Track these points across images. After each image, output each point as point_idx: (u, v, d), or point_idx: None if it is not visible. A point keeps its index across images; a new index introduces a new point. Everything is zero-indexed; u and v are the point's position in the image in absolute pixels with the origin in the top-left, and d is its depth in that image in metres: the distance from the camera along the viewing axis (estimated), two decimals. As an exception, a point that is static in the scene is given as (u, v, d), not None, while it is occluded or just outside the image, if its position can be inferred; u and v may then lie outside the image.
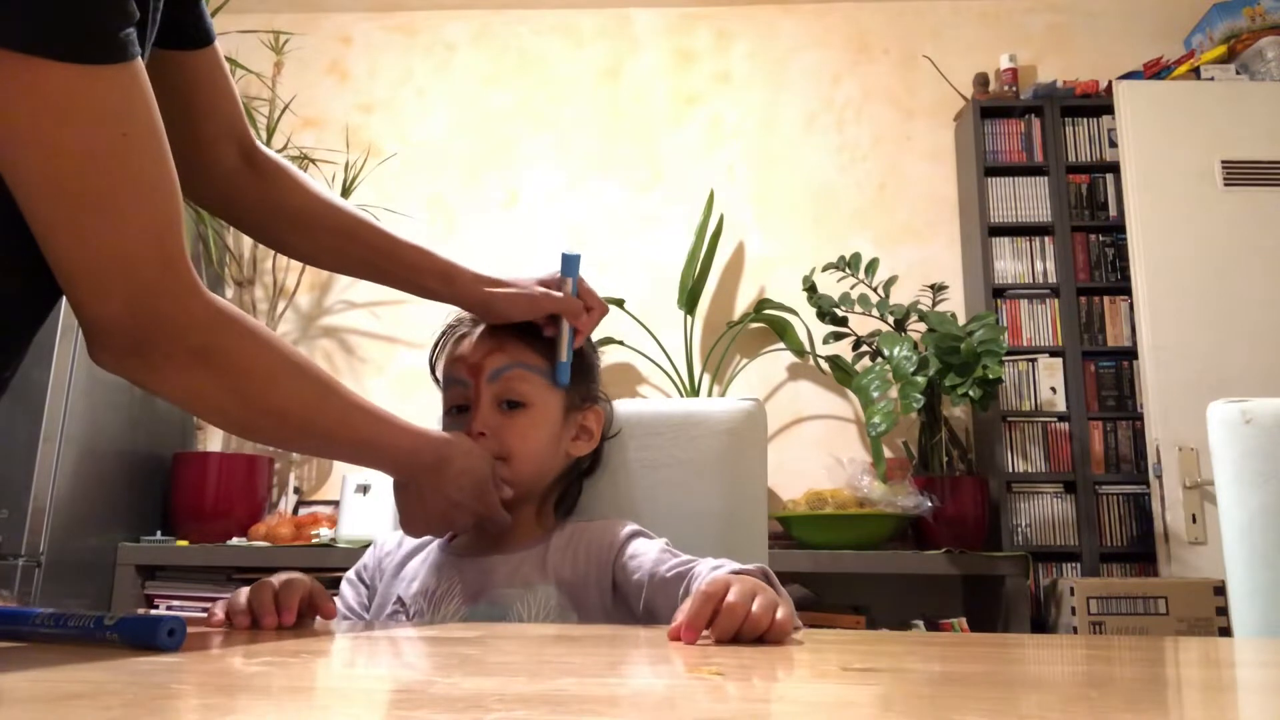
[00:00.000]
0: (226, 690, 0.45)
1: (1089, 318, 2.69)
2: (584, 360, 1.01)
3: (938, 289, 2.64)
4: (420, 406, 1.07)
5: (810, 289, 2.63)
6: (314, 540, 2.40)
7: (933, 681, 0.51)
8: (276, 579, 0.79)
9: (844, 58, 3.08)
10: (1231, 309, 2.49)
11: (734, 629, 0.63)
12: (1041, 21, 3.06)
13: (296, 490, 2.81)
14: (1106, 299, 2.70)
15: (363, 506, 2.39)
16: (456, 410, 0.98)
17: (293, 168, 0.94)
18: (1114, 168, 2.70)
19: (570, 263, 0.97)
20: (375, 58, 3.17)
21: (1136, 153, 2.61)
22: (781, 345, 2.80)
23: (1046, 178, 2.78)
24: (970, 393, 2.24)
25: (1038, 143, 2.80)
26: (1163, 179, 2.59)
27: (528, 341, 0.97)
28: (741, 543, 1.06)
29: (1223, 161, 2.59)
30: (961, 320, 2.59)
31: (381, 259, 0.95)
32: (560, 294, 0.96)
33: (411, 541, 1.02)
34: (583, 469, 1.06)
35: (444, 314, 1.03)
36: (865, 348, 2.61)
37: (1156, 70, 2.80)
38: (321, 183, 0.97)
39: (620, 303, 2.70)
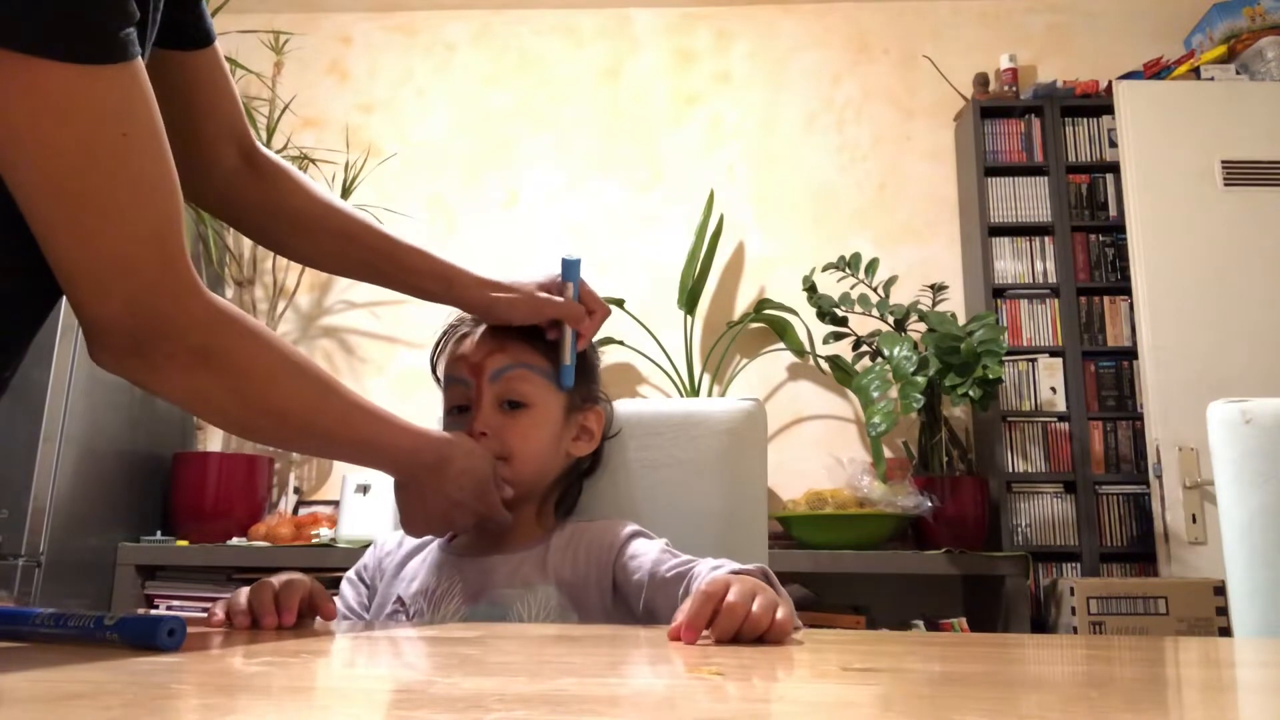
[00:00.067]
0: (226, 690, 0.45)
1: (1089, 318, 2.69)
2: (585, 361, 1.01)
3: (938, 289, 2.64)
4: (420, 406, 1.07)
5: (810, 289, 2.63)
6: (314, 540, 2.40)
7: (933, 681, 0.51)
8: (277, 579, 0.79)
9: (844, 58, 3.08)
10: (1231, 309, 2.49)
11: (734, 629, 0.63)
12: (1041, 21, 3.06)
13: (296, 490, 2.81)
14: (1106, 299, 2.70)
15: (363, 506, 2.39)
16: (457, 410, 0.98)
17: (293, 169, 0.93)
18: (1114, 168, 2.70)
19: (570, 267, 0.97)
20: (375, 58, 3.17)
21: (1136, 153, 2.61)
22: (781, 345, 2.80)
23: (1046, 178, 2.78)
24: (970, 393, 2.24)
25: (1038, 143, 2.80)
26: (1163, 179, 2.59)
27: (529, 341, 0.97)
28: (741, 543, 1.06)
29: (1223, 161, 2.59)
30: (961, 320, 2.59)
31: (382, 262, 0.95)
32: (561, 299, 0.96)
33: (412, 541, 1.02)
34: (583, 469, 1.06)
35: (445, 314, 1.03)
36: (865, 348, 2.61)
37: (1156, 70, 2.80)
38: (322, 184, 0.97)
39: (620, 303, 2.70)
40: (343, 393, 0.81)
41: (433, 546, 1.01)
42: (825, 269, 2.65)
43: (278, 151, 2.85)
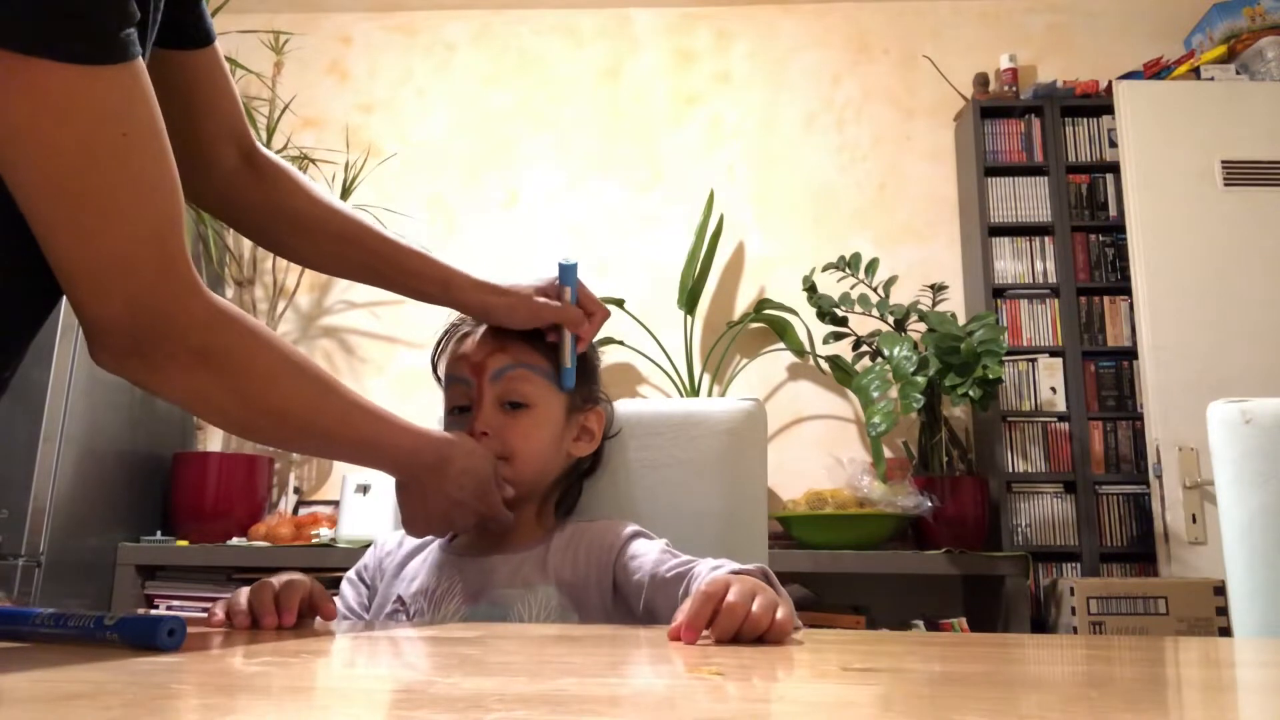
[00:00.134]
0: (226, 690, 0.45)
1: (1089, 318, 2.69)
2: (585, 361, 1.02)
3: (938, 289, 2.64)
4: (420, 406, 1.07)
5: (810, 289, 2.63)
6: (314, 540, 2.40)
7: (933, 681, 0.51)
8: (277, 579, 0.79)
9: (844, 58, 3.08)
10: (1231, 309, 2.49)
11: (734, 629, 0.63)
12: (1041, 21, 3.06)
13: (296, 490, 2.81)
14: (1106, 299, 2.70)
15: (363, 506, 2.39)
16: (458, 410, 0.98)
17: (293, 170, 0.93)
18: (1114, 168, 2.70)
19: (567, 272, 0.97)
20: (375, 58, 3.17)
21: (1136, 153, 2.61)
22: (781, 345, 2.80)
23: (1046, 178, 2.78)
24: (970, 393, 2.24)
25: (1038, 143, 2.80)
26: (1163, 179, 2.59)
27: (530, 341, 0.97)
28: (741, 543, 1.06)
29: (1223, 161, 2.59)
30: (961, 320, 2.59)
31: (380, 264, 0.95)
32: (559, 303, 0.96)
33: (412, 541, 1.02)
34: (583, 469, 1.06)
35: (445, 314, 1.03)
36: (865, 348, 2.61)
37: (1156, 70, 2.80)
38: (322, 186, 0.97)
39: (620, 303, 2.70)
40: (343, 392, 0.81)
41: (433, 546, 1.01)
42: (825, 269, 2.65)
43: (278, 152, 2.85)
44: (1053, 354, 2.68)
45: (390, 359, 2.93)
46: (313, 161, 2.82)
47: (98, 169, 0.60)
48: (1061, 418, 2.63)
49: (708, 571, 0.81)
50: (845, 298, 2.60)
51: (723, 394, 2.78)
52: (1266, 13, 2.74)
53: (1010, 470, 2.60)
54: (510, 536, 0.97)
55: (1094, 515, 2.55)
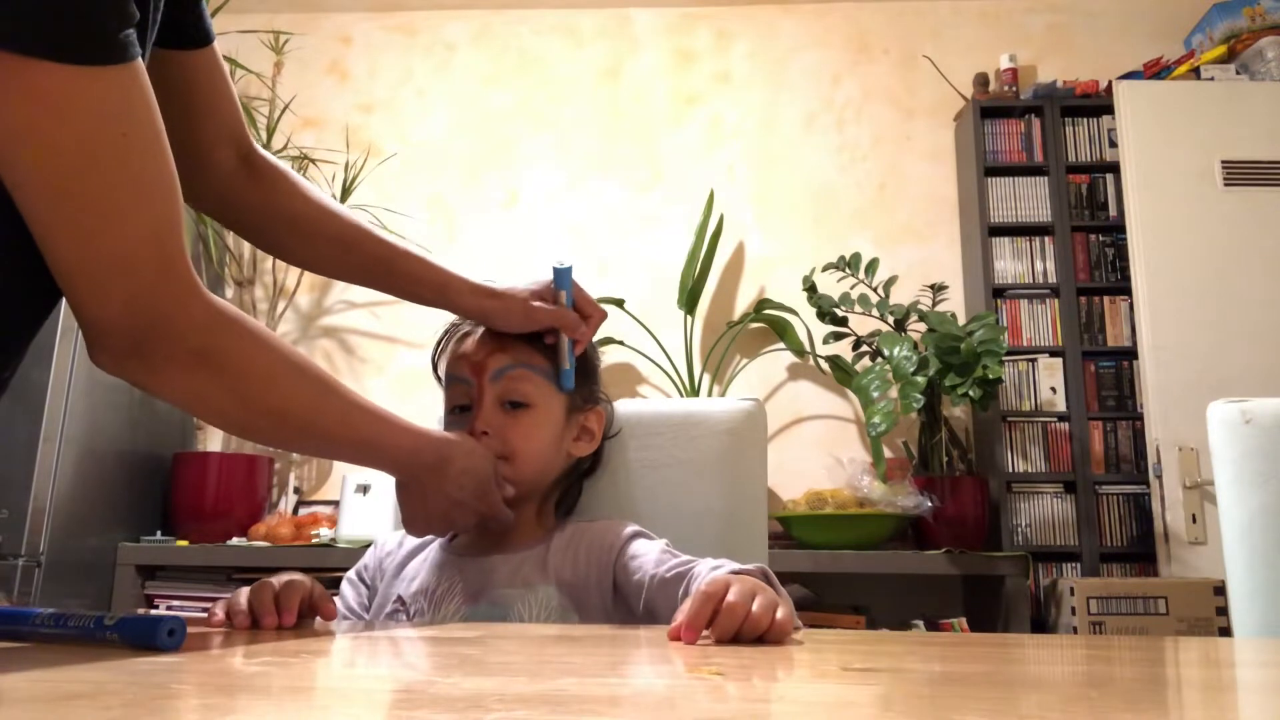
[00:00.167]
0: (226, 690, 0.45)
1: (1089, 318, 2.69)
2: (586, 361, 1.02)
3: (938, 289, 2.64)
4: (420, 406, 1.07)
5: (810, 289, 2.63)
6: (314, 540, 2.40)
7: (933, 681, 0.51)
8: (277, 579, 0.79)
9: (844, 58, 3.08)
10: (1231, 309, 2.49)
11: (734, 629, 0.63)
12: (1041, 21, 3.06)
13: (296, 490, 2.81)
14: (1106, 299, 2.70)
15: (363, 506, 2.39)
16: (459, 409, 0.98)
17: (292, 172, 0.93)
18: (1114, 168, 2.70)
19: (562, 275, 0.97)
20: (375, 58, 3.17)
21: (1136, 153, 2.61)
22: (781, 345, 2.80)
23: (1046, 178, 2.78)
24: (970, 393, 2.24)
25: (1038, 143, 2.80)
26: (1163, 179, 2.59)
27: (531, 341, 0.97)
28: (741, 543, 1.06)
29: (1223, 161, 2.59)
30: (961, 320, 2.59)
31: (378, 268, 0.95)
32: (555, 307, 0.96)
33: (412, 541, 1.02)
34: (583, 469, 1.06)
35: (444, 314, 1.03)
36: (865, 348, 2.61)
37: (1156, 70, 2.80)
38: (321, 188, 0.97)
39: (620, 303, 2.70)
40: (343, 393, 0.81)
41: (433, 546, 1.01)
42: (825, 269, 2.65)
43: (277, 152, 2.85)
44: (1053, 354, 2.68)
45: (390, 359, 2.93)
46: (313, 161, 2.82)
47: (97, 169, 0.60)
48: (1061, 418, 2.63)
49: (708, 571, 0.81)
50: (845, 298, 2.60)
51: (723, 394, 2.78)
52: (1266, 13, 2.74)
53: (1010, 470, 2.60)
54: (510, 536, 0.97)
55: (1094, 515, 2.55)
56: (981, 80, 2.88)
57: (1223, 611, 2.12)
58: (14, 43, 0.55)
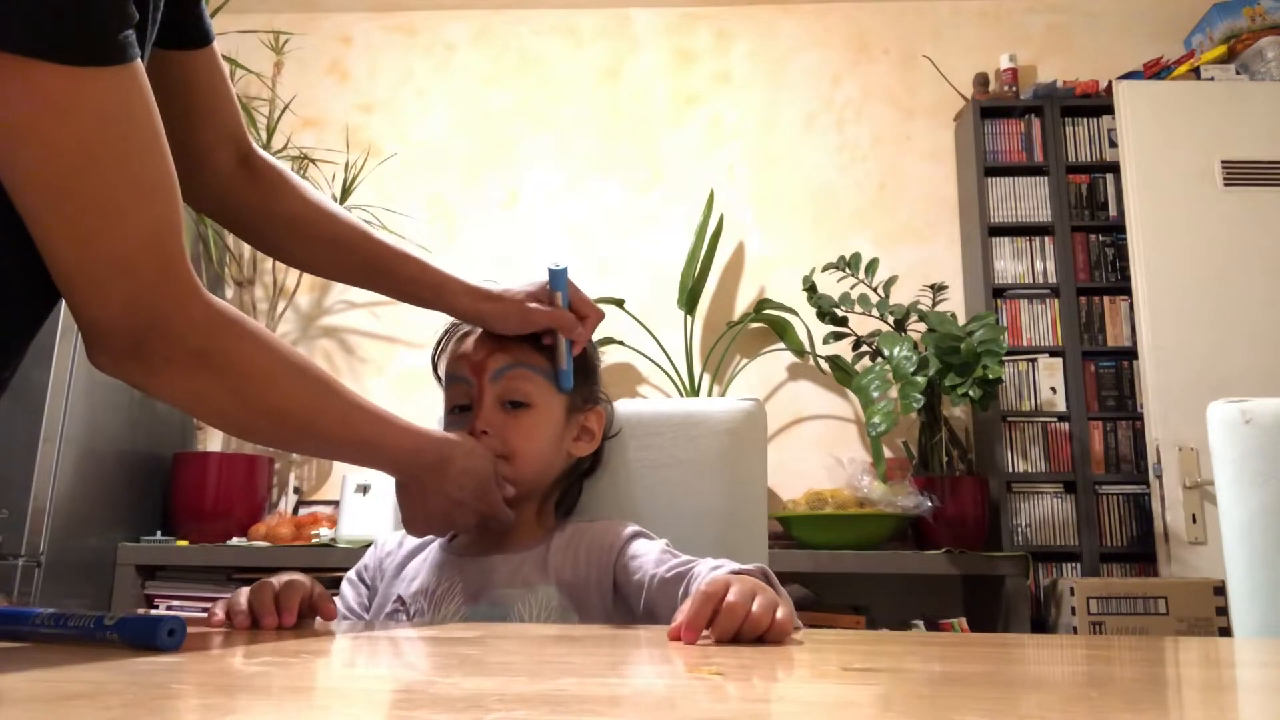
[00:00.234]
0: (226, 690, 0.45)
1: (1089, 318, 2.69)
2: (586, 361, 1.02)
3: (938, 289, 2.64)
4: (420, 406, 1.07)
5: (810, 289, 2.63)
6: (314, 540, 2.40)
7: (933, 681, 0.51)
8: (277, 579, 0.79)
9: (844, 58, 3.08)
10: (1231, 309, 2.49)
11: (734, 629, 0.63)
12: (1041, 21, 3.06)
13: (296, 490, 2.81)
14: (1106, 299, 2.70)
15: (363, 506, 2.39)
16: (459, 409, 0.98)
17: (291, 174, 0.93)
18: (1114, 168, 2.70)
19: (557, 277, 0.97)
20: (375, 58, 3.17)
21: (1136, 153, 2.61)
22: (781, 345, 2.80)
23: (1046, 178, 2.78)
24: (970, 393, 2.24)
25: (1038, 143, 2.80)
26: (1163, 179, 2.59)
27: (531, 341, 0.97)
28: (741, 543, 1.06)
29: (1223, 161, 2.59)
30: (961, 320, 2.59)
31: (375, 270, 0.95)
32: (550, 308, 0.96)
33: (412, 541, 1.02)
34: (583, 469, 1.06)
35: (444, 315, 1.03)
36: (865, 348, 2.61)
37: (1156, 70, 2.80)
38: (321, 188, 0.97)
39: (620, 303, 2.70)
40: (343, 393, 0.81)
41: (433, 546, 1.01)
42: (825, 269, 2.65)
43: (277, 152, 2.85)
44: (1053, 354, 2.68)
45: (390, 359, 2.93)
46: (313, 162, 2.82)
47: (97, 170, 0.60)
48: (1061, 418, 2.63)
49: (707, 571, 0.81)
50: (845, 298, 2.60)
51: (723, 394, 2.78)
52: (1266, 13, 2.74)
53: (1010, 470, 2.60)
54: (510, 536, 0.97)
55: (1094, 515, 2.55)
56: (981, 80, 2.88)
57: (1223, 611, 2.12)
58: (14, 43, 0.55)
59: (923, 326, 2.49)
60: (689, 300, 2.76)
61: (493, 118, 3.10)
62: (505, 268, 2.84)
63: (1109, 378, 2.66)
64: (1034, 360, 2.68)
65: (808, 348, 2.77)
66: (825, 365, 2.74)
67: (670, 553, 0.90)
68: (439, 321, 1.04)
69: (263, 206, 0.91)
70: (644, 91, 3.10)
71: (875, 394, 2.32)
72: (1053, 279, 2.72)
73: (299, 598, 0.77)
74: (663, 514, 1.05)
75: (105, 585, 2.32)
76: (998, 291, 2.72)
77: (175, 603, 2.34)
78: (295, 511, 2.72)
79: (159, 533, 2.46)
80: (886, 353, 2.39)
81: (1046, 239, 2.75)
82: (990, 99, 2.85)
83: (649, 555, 0.90)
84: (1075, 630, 2.18)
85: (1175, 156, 2.60)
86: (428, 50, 3.17)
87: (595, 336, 1.03)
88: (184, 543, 2.39)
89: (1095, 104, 2.79)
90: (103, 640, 0.57)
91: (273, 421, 0.78)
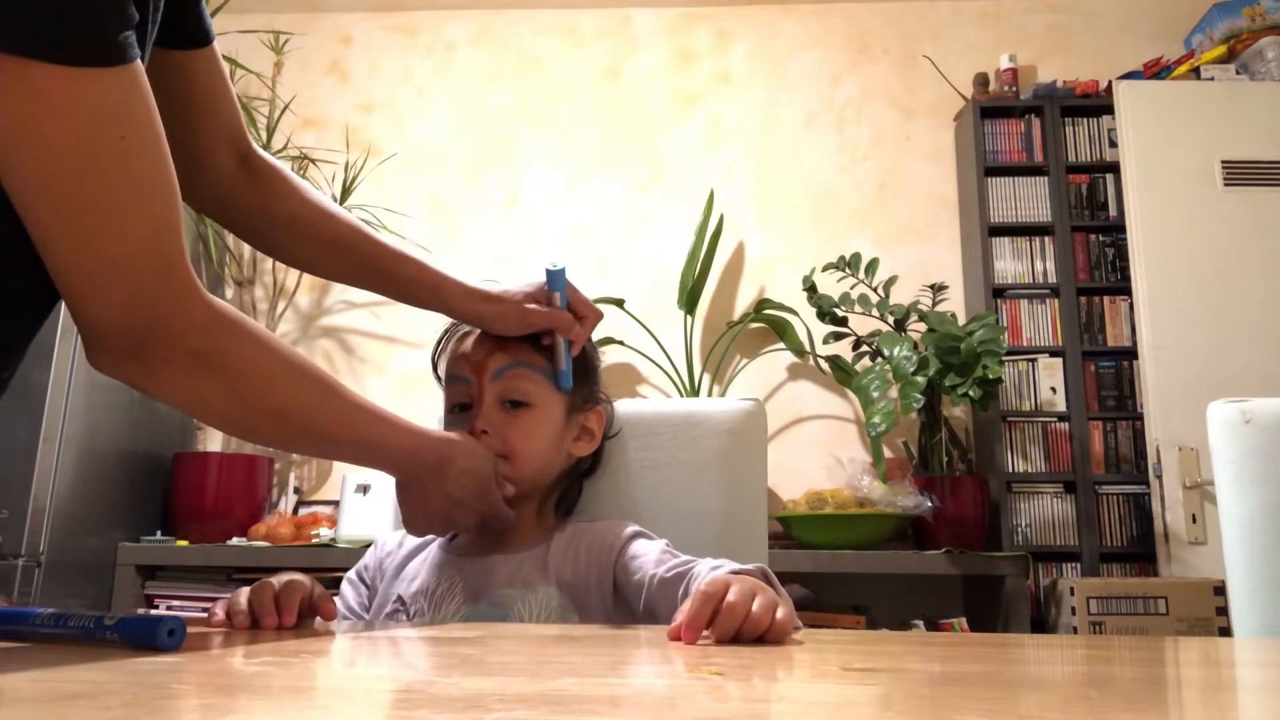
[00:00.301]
0: (226, 690, 0.45)
1: (1089, 318, 2.69)
2: (586, 361, 1.02)
3: (938, 289, 2.64)
4: (420, 406, 1.07)
5: (810, 289, 2.63)
6: (314, 540, 2.40)
7: (933, 681, 0.51)
8: (277, 580, 0.79)
9: (844, 58, 3.08)
10: (1231, 309, 2.49)
11: (734, 629, 0.63)
12: (1041, 21, 3.06)
13: (296, 490, 2.81)
14: (1106, 299, 2.70)
15: (363, 506, 2.39)
16: (459, 408, 0.98)
17: (290, 174, 0.93)
18: (1114, 168, 2.70)
19: (555, 277, 0.97)
20: (375, 58, 3.17)
21: (1136, 153, 2.61)
22: (781, 345, 2.80)
23: (1046, 178, 2.78)
24: (970, 393, 2.24)
25: (1038, 143, 2.80)
26: (1163, 179, 2.59)
27: (531, 341, 0.98)
28: (741, 543, 1.06)
29: (1223, 161, 2.59)
30: (961, 320, 2.59)
31: (374, 270, 0.95)
32: (548, 309, 0.96)
33: (412, 541, 1.02)
34: (583, 469, 1.06)
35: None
36: (865, 348, 2.61)
37: (1156, 70, 2.80)
38: (321, 188, 0.97)
39: (620, 303, 2.70)
40: (343, 393, 0.81)
41: (433, 546, 1.01)
42: (825, 269, 2.65)
43: (277, 152, 2.85)
44: (1053, 354, 2.68)
45: (390, 359, 2.93)
46: (313, 161, 2.82)
47: (96, 171, 0.60)
48: (1061, 418, 2.63)
49: (707, 571, 0.81)
50: (845, 298, 2.60)
51: (723, 394, 2.78)
52: (1266, 13, 2.75)
53: (1010, 470, 2.60)
54: (510, 536, 0.97)
55: (1094, 515, 2.55)
56: (981, 80, 2.88)
57: (1223, 611, 2.12)
58: (13, 44, 0.55)
59: (923, 326, 2.49)
60: (689, 300, 2.76)
61: (493, 118, 3.10)
62: (505, 268, 2.84)
63: (1109, 378, 2.66)
64: (1034, 360, 2.68)
65: (808, 348, 2.77)
66: (825, 365, 2.74)
67: (670, 553, 0.90)
68: (439, 321, 1.04)
69: (263, 206, 0.91)
70: (644, 91, 3.10)
71: (875, 394, 2.32)
72: (1053, 279, 2.72)
73: (299, 598, 0.77)
74: (663, 514, 1.05)
75: (105, 585, 2.32)
76: (998, 291, 2.72)
77: (175, 603, 2.34)
78: (295, 511, 2.72)
79: (159, 533, 2.46)
80: (886, 353, 2.39)
81: (1046, 239, 2.75)
82: (990, 99, 2.85)
83: (649, 555, 0.90)
84: (1075, 630, 2.18)
85: (1175, 156, 2.60)
86: (428, 50, 3.17)
87: (595, 336, 1.03)
88: (184, 543, 2.39)
89: (1095, 104, 2.79)
90: (103, 640, 0.57)
91: (273, 422, 0.78)
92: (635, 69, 3.12)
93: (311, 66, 3.12)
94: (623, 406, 1.11)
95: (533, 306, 0.96)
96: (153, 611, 2.31)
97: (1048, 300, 2.72)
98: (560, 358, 0.97)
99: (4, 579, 2.07)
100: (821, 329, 2.68)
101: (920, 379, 2.28)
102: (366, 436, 0.83)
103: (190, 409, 0.77)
